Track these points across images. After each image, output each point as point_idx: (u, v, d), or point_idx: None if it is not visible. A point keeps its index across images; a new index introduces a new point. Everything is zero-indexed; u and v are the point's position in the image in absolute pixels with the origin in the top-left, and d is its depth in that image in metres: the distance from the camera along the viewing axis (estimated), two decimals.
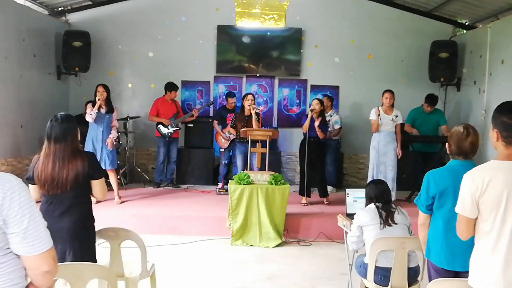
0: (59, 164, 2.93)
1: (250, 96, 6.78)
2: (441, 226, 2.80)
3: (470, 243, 2.73)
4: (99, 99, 6.25)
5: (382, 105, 6.57)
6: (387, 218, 3.47)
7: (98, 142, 6.30)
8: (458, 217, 2.36)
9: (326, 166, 7.26)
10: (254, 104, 6.76)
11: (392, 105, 6.56)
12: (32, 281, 1.86)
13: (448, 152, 2.91)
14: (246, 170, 6.19)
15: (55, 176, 2.92)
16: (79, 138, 3.08)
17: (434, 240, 2.84)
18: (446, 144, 2.92)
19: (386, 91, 6.58)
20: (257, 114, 6.70)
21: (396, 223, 3.45)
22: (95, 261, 3.10)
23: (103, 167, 6.32)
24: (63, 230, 2.95)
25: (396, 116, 6.53)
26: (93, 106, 6.27)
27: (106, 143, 6.30)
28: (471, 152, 2.80)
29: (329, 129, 7.27)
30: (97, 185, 3.12)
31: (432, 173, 2.87)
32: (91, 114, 6.21)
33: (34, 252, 1.77)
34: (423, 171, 6.80)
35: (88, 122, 7.73)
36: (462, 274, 2.73)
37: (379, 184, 3.70)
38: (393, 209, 3.52)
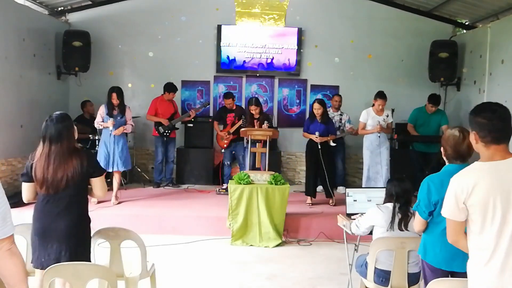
0: (55, 164, 2.91)
1: (253, 107, 6.68)
2: (441, 228, 2.77)
3: None
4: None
5: (373, 106, 6.58)
6: (400, 222, 3.37)
7: (110, 144, 6.33)
8: (446, 221, 2.36)
9: (336, 166, 7.30)
10: (260, 112, 6.73)
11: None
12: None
13: (443, 156, 2.89)
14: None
15: (52, 176, 2.91)
16: (76, 137, 3.06)
17: (432, 242, 2.82)
18: (441, 149, 2.89)
19: (379, 97, 6.51)
20: (268, 119, 6.69)
21: (408, 230, 3.36)
22: (90, 262, 3.08)
23: (116, 169, 6.36)
24: (61, 230, 2.94)
25: (387, 116, 6.56)
26: (108, 108, 6.36)
27: (114, 133, 6.29)
28: (468, 155, 2.79)
29: (343, 127, 7.41)
30: (97, 183, 3.09)
31: (431, 179, 2.82)
32: (100, 125, 6.37)
33: (9, 233, 1.90)
34: (423, 170, 6.88)
35: (88, 121, 7.77)
36: (458, 274, 2.73)
37: (401, 181, 3.51)
38: (410, 214, 3.39)
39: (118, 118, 6.37)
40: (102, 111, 6.40)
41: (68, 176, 2.93)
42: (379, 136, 6.46)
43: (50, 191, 2.94)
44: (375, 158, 6.53)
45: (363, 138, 6.77)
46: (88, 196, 3.15)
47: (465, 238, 2.33)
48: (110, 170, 6.37)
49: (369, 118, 6.56)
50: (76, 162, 2.95)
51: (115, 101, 6.35)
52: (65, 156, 2.94)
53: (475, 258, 2.25)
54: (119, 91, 6.40)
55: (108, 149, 6.34)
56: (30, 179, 2.97)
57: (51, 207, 2.96)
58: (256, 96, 7.87)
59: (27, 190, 3.01)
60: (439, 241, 2.79)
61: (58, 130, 2.94)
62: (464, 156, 2.79)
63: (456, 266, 2.74)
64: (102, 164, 6.28)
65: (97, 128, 6.49)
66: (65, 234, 2.94)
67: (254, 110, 6.69)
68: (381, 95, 6.53)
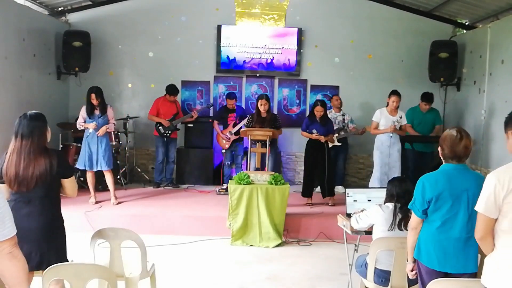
0: (24, 161, 2.90)
1: (263, 101, 6.51)
2: (435, 228, 2.80)
3: (463, 246, 2.73)
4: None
5: (387, 106, 6.56)
6: (400, 222, 3.40)
7: (93, 144, 6.30)
8: (478, 216, 2.35)
9: (336, 165, 7.30)
10: (268, 106, 6.61)
11: (397, 107, 6.55)
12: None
13: (440, 156, 2.90)
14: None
15: (20, 173, 2.90)
16: (48, 138, 3.06)
17: (426, 241, 2.83)
18: (439, 148, 2.90)
19: (393, 93, 6.50)
20: (276, 120, 6.64)
21: (408, 230, 3.34)
22: (67, 261, 3.05)
23: (100, 168, 6.35)
24: (31, 230, 2.91)
25: (401, 117, 6.50)
26: (88, 109, 6.32)
27: (98, 133, 6.25)
28: (464, 156, 2.80)
29: (347, 127, 7.42)
30: (68, 184, 3.10)
31: (426, 177, 2.85)
32: (81, 125, 6.35)
33: (9, 235, 1.92)
34: (418, 169, 6.87)
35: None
36: (452, 276, 2.73)
37: (403, 182, 3.55)
38: (410, 214, 3.34)
39: (99, 118, 6.32)
40: (83, 111, 6.37)
41: (37, 174, 2.91)
42: (391, 137, 6.40)
43: (21, 188, 2.91)
44: (384, 159, 6.46)
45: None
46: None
47: (492, 238, 2.33)
48: (95, 170, 6.35)
49: (382, 118, 6.49)
50: (45, 161, 2.95)
51: (94, 101, 6.28)
52: (35, 153, 2.94)
53: (500, 256, 2.26)
54: (97, 91, 6.31)
55: (92, 149, 6.31)
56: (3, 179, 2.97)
57: (21, 207, 2.93)
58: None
59: (5, 189, 2.97)
60: (432, 240, 2.80)
61: (31, 127, 2.96)
62: (461, 156, 2.80)
63: (449, 267, 2.75)
64: (86, 164, 6.30)
65: (79, 128, 6.44)
66: (37, 235, 2.92)
67: (264, 105, 6.50)
68: (395, 92, 6.51)
